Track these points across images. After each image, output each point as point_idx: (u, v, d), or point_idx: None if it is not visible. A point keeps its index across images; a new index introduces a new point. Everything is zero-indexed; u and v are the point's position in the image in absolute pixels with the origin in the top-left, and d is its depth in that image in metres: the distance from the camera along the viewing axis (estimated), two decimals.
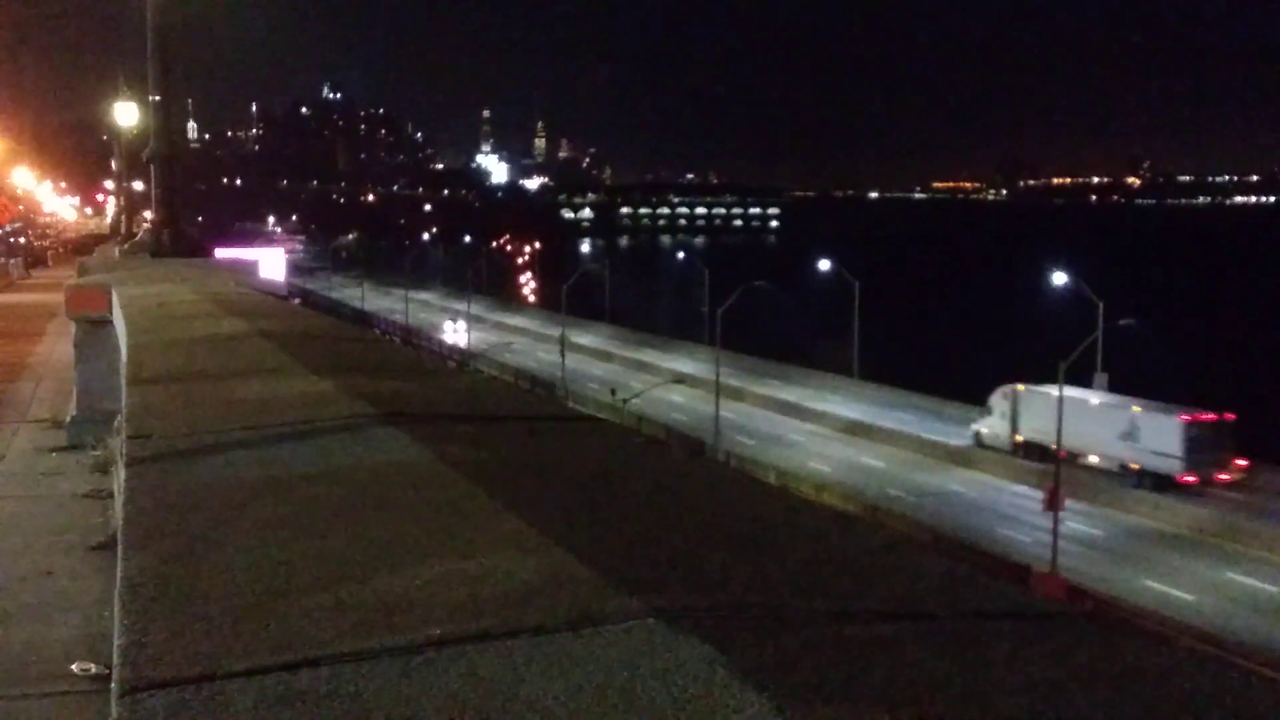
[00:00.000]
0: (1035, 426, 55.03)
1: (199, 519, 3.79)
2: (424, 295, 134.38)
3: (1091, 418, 53.63)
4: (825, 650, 2.58)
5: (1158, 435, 51.71)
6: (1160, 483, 51.07)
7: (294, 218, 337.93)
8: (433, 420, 5.73)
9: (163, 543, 3.50)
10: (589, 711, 2.26)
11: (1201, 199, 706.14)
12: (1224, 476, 50.93)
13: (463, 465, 4.52)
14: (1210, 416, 52.29)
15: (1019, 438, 56.92)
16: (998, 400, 58.27)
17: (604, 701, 2.30)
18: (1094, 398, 55.31)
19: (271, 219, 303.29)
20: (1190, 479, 50.57)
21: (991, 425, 58.51)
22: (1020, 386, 56.99)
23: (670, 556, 3.31)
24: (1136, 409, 53.77)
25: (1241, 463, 51.28)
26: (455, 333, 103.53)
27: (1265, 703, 2.49)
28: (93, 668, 7.19)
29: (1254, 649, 33.24)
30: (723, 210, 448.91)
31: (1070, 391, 50.91)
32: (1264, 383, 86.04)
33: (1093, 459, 53.48)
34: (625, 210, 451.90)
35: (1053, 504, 43.70)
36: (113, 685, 2.47)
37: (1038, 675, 2.51)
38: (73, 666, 7.31)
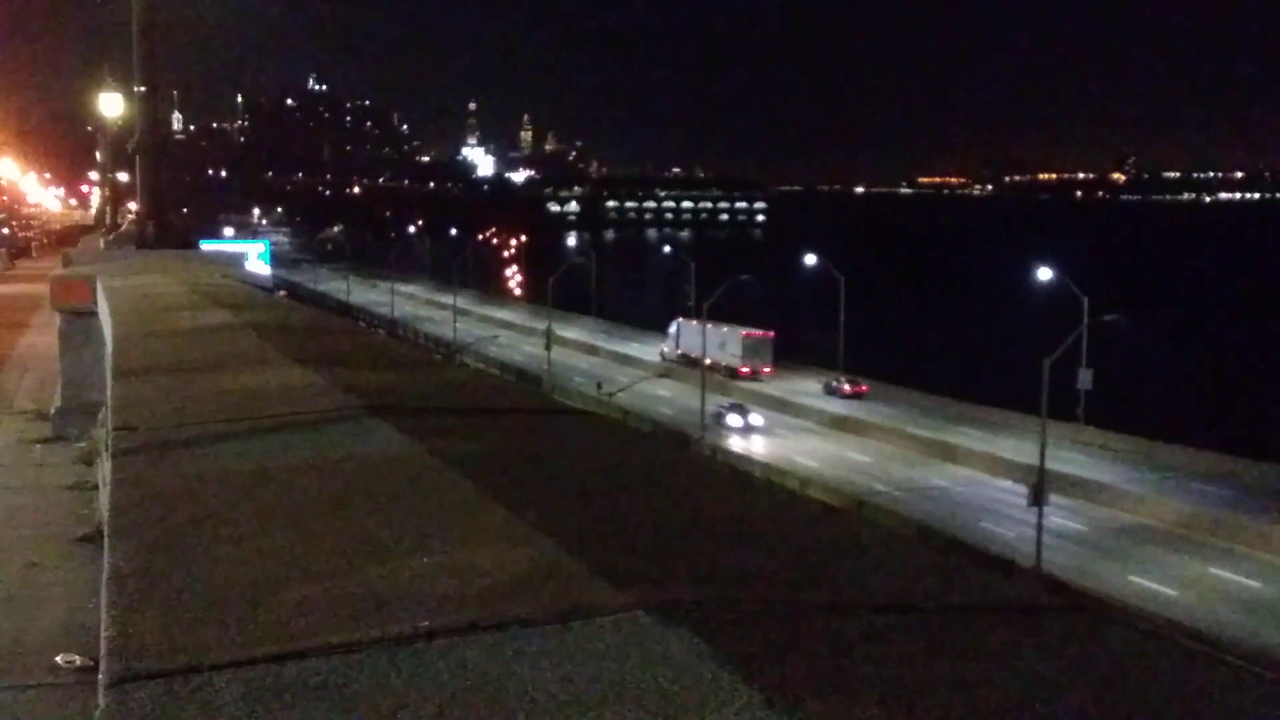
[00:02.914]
0: (687, 346, 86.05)
1: (186, 510, 3.77)
2: (410, 288, 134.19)
3: (710, 336, 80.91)
4: (814, 643, 2.58)
5: (732, 345, 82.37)
6: (732, 373, 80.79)
7: (279, 210, 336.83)
8: (420, 413, 5.71)
9: (149, 534, 3.49)
10: (578, 703, 2.26)
11: (1186, 195, 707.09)
12: (766, 370, 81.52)
13: (451, 457, 4.51)
14: (759, 333, 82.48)
15: (679, 352, 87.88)
16: (671, 329, 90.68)
17: (593, 694, 2.30)
18: (710, 324, 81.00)
19: (256, 211, 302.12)
20: (745, 371, 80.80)
21: (668, 346, 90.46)
22: (682, 319, 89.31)
23: (659, 549, 3.31)
24: (725, 329, 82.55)
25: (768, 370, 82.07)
26: (741, 425, 68.94)
27: (1251, 698, 2.50)
28: (77, 660, 7.16)
29: (1235, 643, 33.42)
30: (709, 204, 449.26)
31: (705, 322, 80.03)
32: (1249, 375, 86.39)
33: (707, 360, 77.60)
34: (611, 204, 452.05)
35: (1037, 499, 43.86)
36: (100, 676, 2.46)
37: (1027, 668, 2.52)
38: (57, 659, 7.28)
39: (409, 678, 2.38)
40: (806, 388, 78.49)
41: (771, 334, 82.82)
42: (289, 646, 2.53)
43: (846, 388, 76.60)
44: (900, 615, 2.84)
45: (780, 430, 68.81)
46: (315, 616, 2.73)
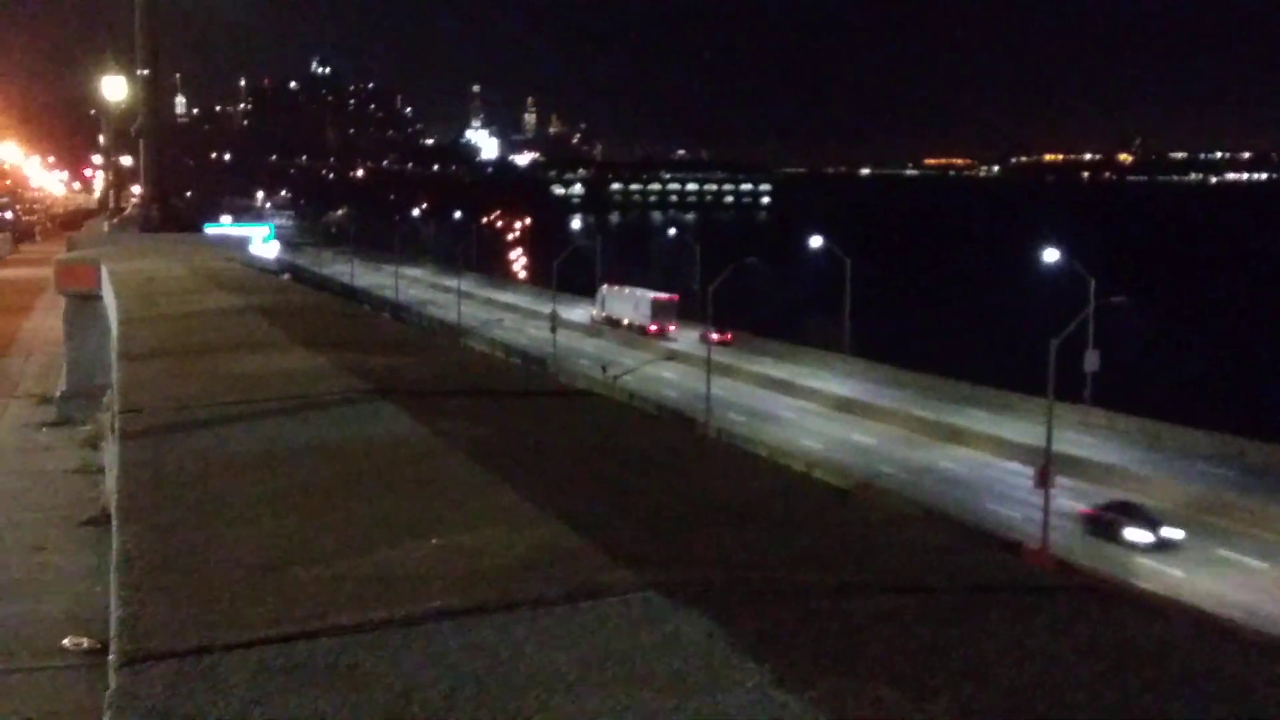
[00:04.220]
0: (612, 310, 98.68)
1: (194, 493, 3.77)
2: (414, 271, 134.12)
3: (624, 299, 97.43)
4: (824, 623, 2.57)
5: (644, 306, 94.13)
6: (642, 330, 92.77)
7: (283, 193, 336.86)
8: (426, 395, 5.71)
9: (158, 516, 3.49)
10: (588, 683, 2.26)
11: (1193, 176, 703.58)
12: (671, 328, 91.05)
13: (458, 439, 4.51)
14: (665, 296, 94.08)
15: (606, 315, 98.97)
16: (599, 295, 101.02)
17: (603, 673, 2.30)
18: (626, 289, 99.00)
19: (260, 194, 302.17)
20: (653, 329, 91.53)
21: (596, 310, 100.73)
22: (607, 285, 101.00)
23: (668, 530, 3.31)
24: (638, 293, 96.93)
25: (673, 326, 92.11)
26: (1152, 541, 42.79)
27: (1263, 676, 2.49)
28: (84, 642, 7.18)
29: (1242, 623, 33.45)
30: (714, 186, 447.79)
31: (623, 288, 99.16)
32: (1257, 356, 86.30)
33: (625, 321, 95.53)
34: (616, 186, 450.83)
35: (1044, 481, 43.86)
36: (110, 657, 2.47)
37: (1037, 647, 2.51)
38: (64, 641, 7.30)
39: (419, 658, 2.38)
40: (688, 336, 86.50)
41: (675, 297, 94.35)
42: (299, 627, 2.54)
43: (714, 337, 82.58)
44: (909, 596, 2.84)
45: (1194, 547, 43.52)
46: (325, 597, 2.73)
